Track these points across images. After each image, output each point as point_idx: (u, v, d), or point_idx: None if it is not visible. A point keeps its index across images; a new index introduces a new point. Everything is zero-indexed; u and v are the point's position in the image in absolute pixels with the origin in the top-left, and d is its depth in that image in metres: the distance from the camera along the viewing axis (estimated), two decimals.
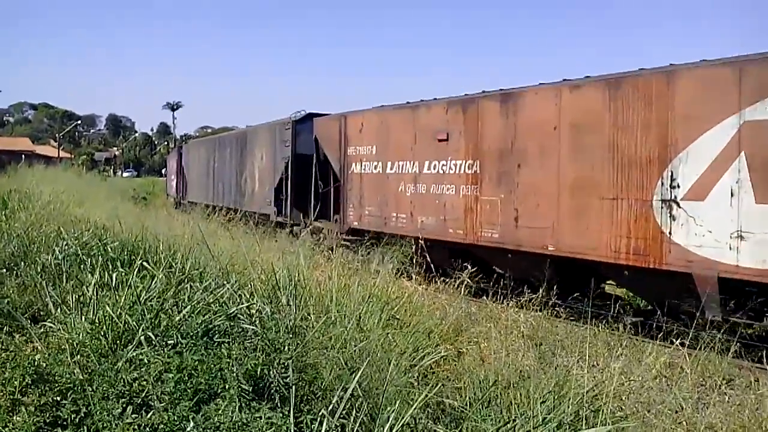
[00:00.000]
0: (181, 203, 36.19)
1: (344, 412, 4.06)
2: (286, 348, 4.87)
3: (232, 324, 5.47)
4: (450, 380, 5.93)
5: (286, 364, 4.62)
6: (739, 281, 8.63)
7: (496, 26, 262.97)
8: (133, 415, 3.86)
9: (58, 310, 5.89)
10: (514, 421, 4.40)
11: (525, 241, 11.80)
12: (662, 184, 9.52)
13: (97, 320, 5.31)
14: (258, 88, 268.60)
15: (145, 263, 6.84)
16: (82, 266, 7.36)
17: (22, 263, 7.64)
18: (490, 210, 12.49)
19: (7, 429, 3.75)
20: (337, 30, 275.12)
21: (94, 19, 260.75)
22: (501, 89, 12.81)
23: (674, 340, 7.86)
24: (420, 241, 12.91)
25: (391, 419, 3.96)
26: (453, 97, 13.92)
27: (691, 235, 9.12)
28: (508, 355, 6.82)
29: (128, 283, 6.03)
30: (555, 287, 10.40)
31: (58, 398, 4.06)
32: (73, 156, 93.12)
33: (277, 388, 4.44)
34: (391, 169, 15.36)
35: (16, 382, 4.13)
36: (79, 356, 4.76)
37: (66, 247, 8.03)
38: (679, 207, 9.29)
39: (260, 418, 3.86)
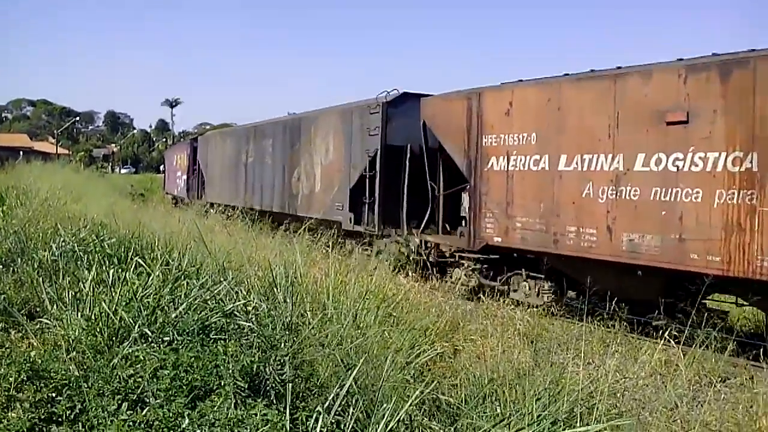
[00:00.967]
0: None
1: (340, 408, 4.07)
2: (283, 345, 4.87)
3: (228, 321, 5.48)
4: (446, 377, 5.95)
5: (282, 360, 4.63)
6: None
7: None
8: (129, 412, 3.86)
9: (54, 306, 5.89)
10: (510, 418, 4.41)
11: None
12: None
13: (93, 317, 5.31)
14: (258, 86, 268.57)
15: (141, 260, 6.84)
16: (78, 263, 7.35)
17: (19, 259, 7.63)
18: None
19: (2, 425, 3.75)
20: (338, 28, 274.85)
21: (93, 16, 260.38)
22: None
23: (670, 338, 7.87)
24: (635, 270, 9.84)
25: (386, 416, 3.97)
26: (697, 58, 9.43)
27: None
28: (504, 353, 6.84)
29: (124, 280, 6.03)
30: None
31: (54, 394, 4.06)
32: (71, 152, 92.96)
33: (273, 385, 4.45)
34: (567, 165, 10.89)
35: (11, 378, 4.13)
36: (74, 353, 4.76)
37: (63, 244, 8.02)
38: None
39: (256, 414, 3.87)
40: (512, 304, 10.82)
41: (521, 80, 12.27)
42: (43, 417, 3.87)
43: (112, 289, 5.87)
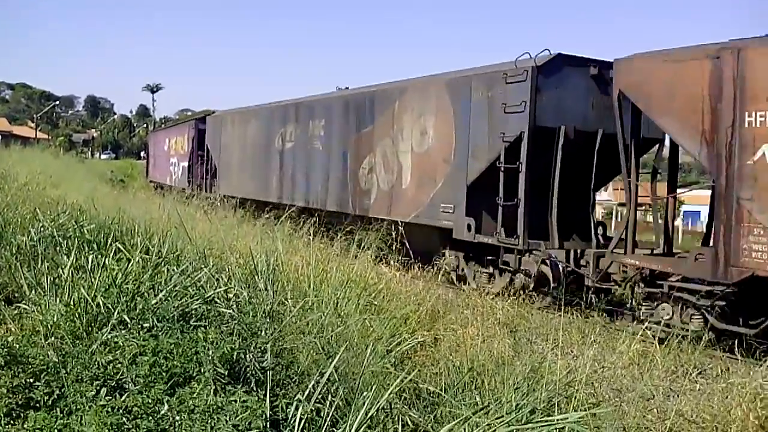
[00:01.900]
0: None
1: (320, 396, 4.08)
2: (263, 332, 4.87)
3: (208, 308, 5.46)
4: (426, 366, 5.97)
5: (262, 348, 4.63)
6: None
7: None
8: (107, 398, 3.84)
9: (33, 291, 5.84)
10: (489, 406, 4.44)
11: None
12: None
13: (72, 302, 5.27)
14: (240, 74, 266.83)
15: (121, 246, 6.79)
16: (57, 248, 7.29)
17: None
18: None
19: None
20: (315, 18, 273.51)
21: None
22: None
23: (647, 329, 7.95)
24: None
25: (367, 404, 3.98)
26: None
27: None
28: (484, 342, 6.88)
29: (104, 266, 5.99)
30: None
31: (32, 380, 4.02)
32: (50, 137, 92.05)
33: (253, 372, 4.45)
34: None
35: None
36: (53, 338, 4.73)
37: (42, 229, 7.95)
38: None
39: (235, 401, 3.86)
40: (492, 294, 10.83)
41: None
42: (20, 402, 3.84)
43: (92, 274, 5.82)
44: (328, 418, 3.94)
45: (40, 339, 4.66)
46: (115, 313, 4.98)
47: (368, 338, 5.53)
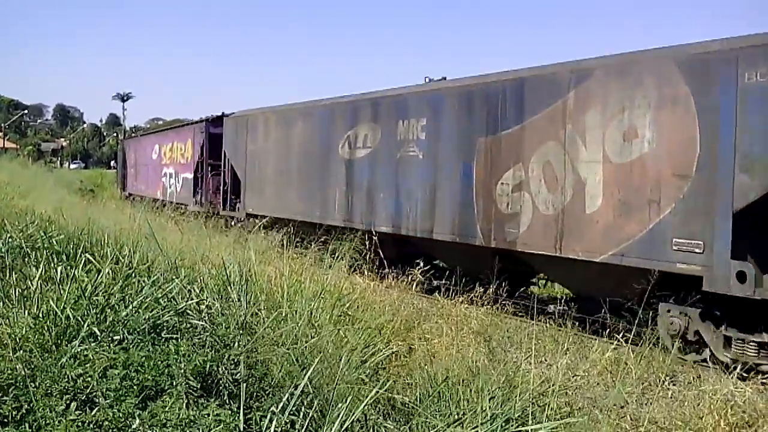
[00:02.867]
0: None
1: (295, 408, 4.05)
2: (236, 344, 4.82)
3: (180, 320, 5.39)
4: (401, 376, 5.96)
5: (236, 360, 4.58)
6: None
7: None
8: (77, 412, 3.77)
9: (0, 304, 5.73)
10: (464, 416, 4.44)
11: None
12: None
13: (40, 314, 5.17)
14: (212, 83, 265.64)
15: (90, 257, 6.70)
16: (26, 259, 7.18)
17: None
18: None
19: None
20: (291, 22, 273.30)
21: (42, 6, 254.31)
22: None
23: (619, 337, 8.01)
24: None
25: (341, 415, 3.96)
26: None
27: None
28: (459, 351, 6.89)
29: (73, 277, 5.90)
30: None
31: None
32: (18, 147, 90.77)
33: (227, 385, 4.40)
34: None
35: None
36: (21, 351, 4.62)
37: (9, 240, 7.82)
38: None
39: (208, 415, 3.82)
40: (466, 302, 10.86)
41: None
42: None
43: (61, 286, 5.73)
44: (303, 431, 3.91)
45: (8, 352, 4.55)
46: (85, 326, 4.90)
47: (342, 349, 5.51)
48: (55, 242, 7.90)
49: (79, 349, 4.54)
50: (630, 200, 9.26)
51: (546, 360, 7.79)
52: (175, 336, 5.01)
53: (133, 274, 6.37)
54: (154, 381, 4.15)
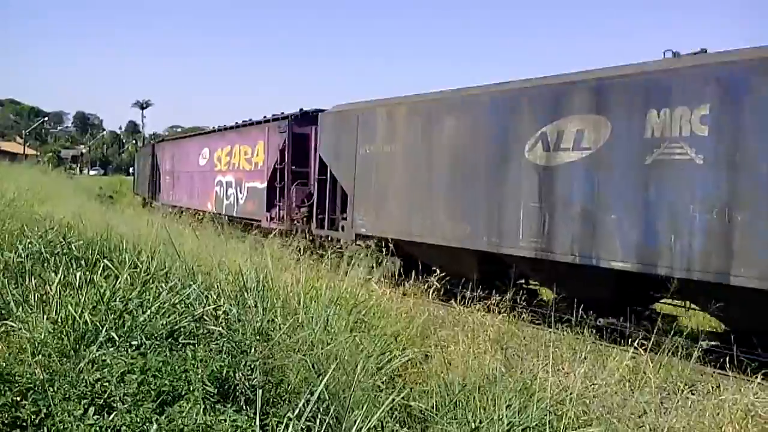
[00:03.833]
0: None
1: (311, 415, 4.04)
2: (253, 350, 4.84)
3: (197, 325, 5.42)
4: (417, 384, 5.94)
5: (252, 366, 4.59)
6: None
7: None
8: (95, 417, 3.79)
9: (20, 308, 5.77)
10: (481, 425, 4.42)
11: None
12: None
13: (59, 320, 5.21)
14: (230, 89, 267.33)
15: (109, 262, 6.74)
16: (45, 265, 7.23)
17: None
18: None
19: None
20: (312, 30, 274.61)
21: (65, 15, 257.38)
22: None
23: (637, 345, 7.93)
24: None
25: (357, 422, 3.95)
26: None
27: None
28: (475, 359, 6.85)
29: (92, 283, 5.94)
30: None
31: (18, 398, 3.97)
32: (39, 153, 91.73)
33: (243, 391, 4.41)
34: None
35: None
36: (40, 356, 4.67)
37: (29, 245, 7.89)
38: None
39: (225, 420, 3.83)
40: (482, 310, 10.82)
41: None
42: (6, 422, 3.79)
43: (79, 291, 5.77)
44: None
45: (27, 357, 4.59)
46: (103, 331, 4.93)
47: (358, 356, 5.50)
48: (74, 248, 7.96)
49: (97, 354, 4.57)
50: None
51: (563, 368, 7.73)
52: (192, 342, 5.03)
53: (151, 280, 6.41)
54: (172, 386, 4.17)
